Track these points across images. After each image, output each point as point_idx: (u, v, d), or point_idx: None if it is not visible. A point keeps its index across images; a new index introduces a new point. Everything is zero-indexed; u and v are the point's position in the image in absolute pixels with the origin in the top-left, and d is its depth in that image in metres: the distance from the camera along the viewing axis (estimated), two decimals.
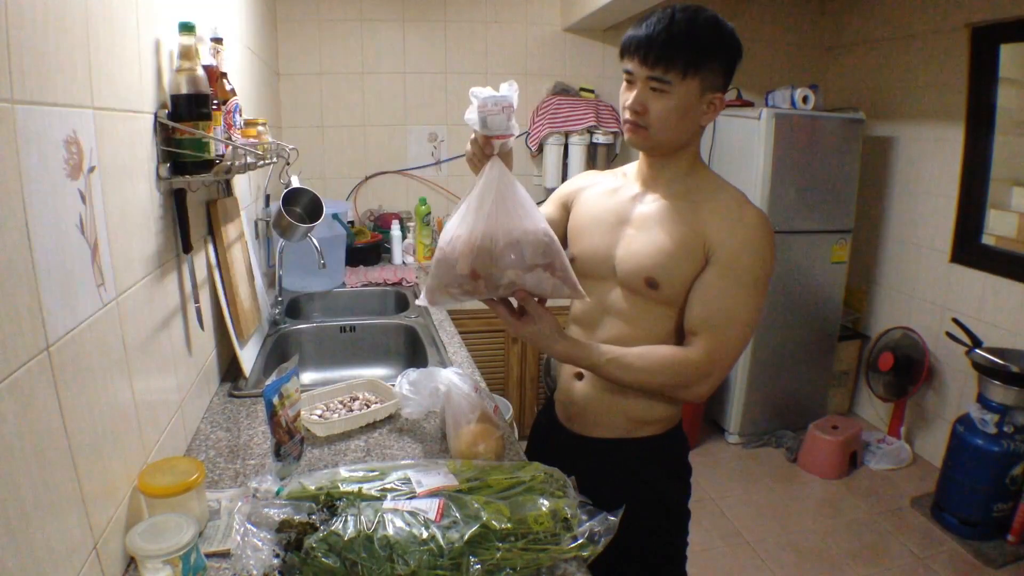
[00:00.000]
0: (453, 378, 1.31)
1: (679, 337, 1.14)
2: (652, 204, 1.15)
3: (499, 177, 1.01)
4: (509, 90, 1.00)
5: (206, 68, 1.17)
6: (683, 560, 1.30)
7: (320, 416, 1.36)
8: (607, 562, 0.94)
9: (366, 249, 2.85)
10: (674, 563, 1.29)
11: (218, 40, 1.35)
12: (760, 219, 1.08)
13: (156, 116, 1.09)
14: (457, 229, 1.00)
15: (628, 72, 1.08)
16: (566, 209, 1.31)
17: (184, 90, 1.10)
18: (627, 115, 1.10)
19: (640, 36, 1.05)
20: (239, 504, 0.99)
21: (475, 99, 1.00)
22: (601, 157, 3.21)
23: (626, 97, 1.10)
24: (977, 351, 2.46)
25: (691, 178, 1.14)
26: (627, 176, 1.24)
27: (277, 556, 0.83)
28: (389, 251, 2.96)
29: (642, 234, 1.14)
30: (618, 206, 1.19)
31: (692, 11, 1.04)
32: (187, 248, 1.22)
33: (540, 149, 3.20)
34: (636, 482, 1.19)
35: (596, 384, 1.21)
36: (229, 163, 1.28)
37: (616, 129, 3.15)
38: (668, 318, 1.14)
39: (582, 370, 1.23)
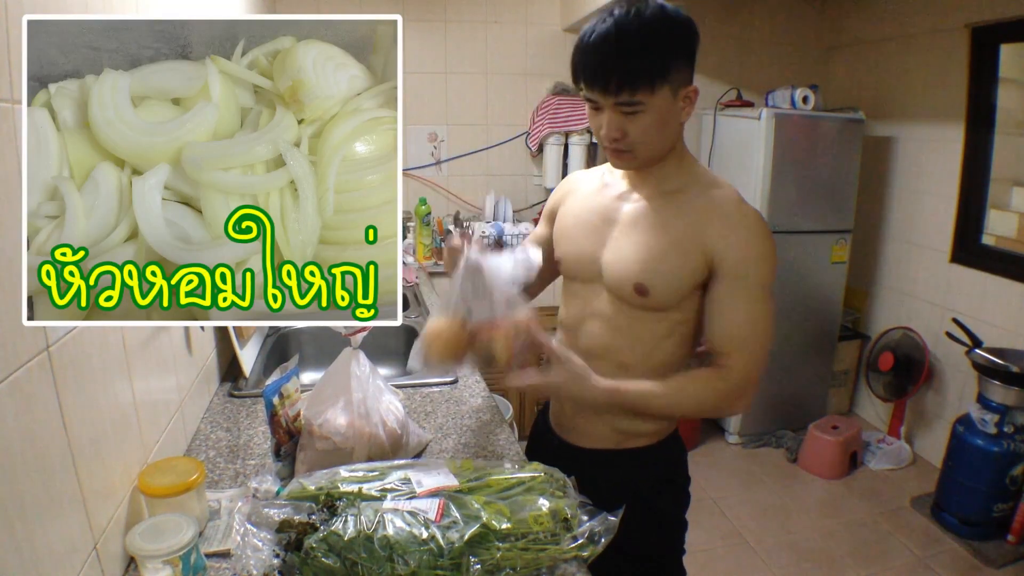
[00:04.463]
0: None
1: (669, 343, 1.11)
2: (640, 203, 1.10)
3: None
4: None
5: None
6: (680, 571, 1.28)
7: None
8: (603, 569, 0.94)
9: None
10: (668, 573, 1.26)
11: None
12: (760, 220, 1.04)
13: None
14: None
15: (591, 100, 1.01)
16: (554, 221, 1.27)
17: None
18: (606, 142, 1.05)
19: (591, 62, 0.97)
20: (239, 504, 0.99)
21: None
22: (601, 157, 3.19)
23: (598, 124, 1.03)
24: (977, 351, 2.46)
25: (681, 173, 1.09)
26: (614, 172, 1.18)
27: (277, 556, 0.83)
28: None
29: (631, 236, 1.08)
30: (604, 205, 1.15)
31: (634, 11, 0.95)
32: None
33: (540, 149, 3.20)
34: (627, 493, 1.08)
35: None
36: None
37: None
38: (656, 323, 1.09)
39: None
